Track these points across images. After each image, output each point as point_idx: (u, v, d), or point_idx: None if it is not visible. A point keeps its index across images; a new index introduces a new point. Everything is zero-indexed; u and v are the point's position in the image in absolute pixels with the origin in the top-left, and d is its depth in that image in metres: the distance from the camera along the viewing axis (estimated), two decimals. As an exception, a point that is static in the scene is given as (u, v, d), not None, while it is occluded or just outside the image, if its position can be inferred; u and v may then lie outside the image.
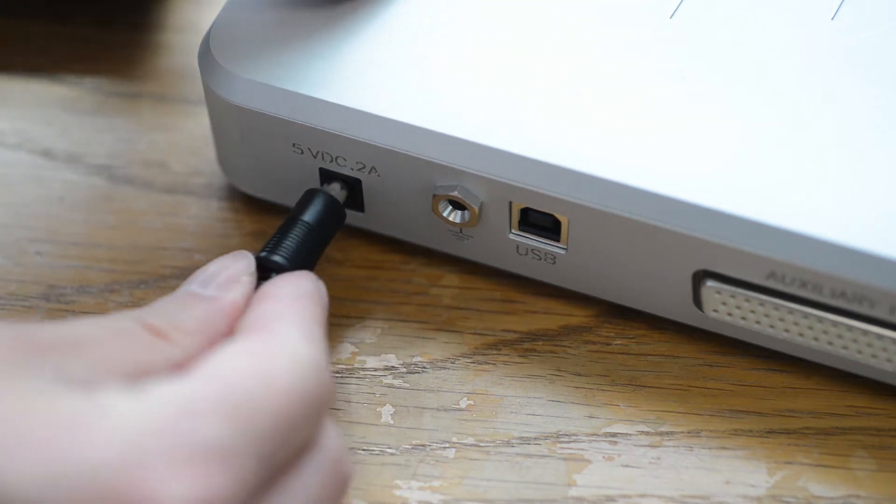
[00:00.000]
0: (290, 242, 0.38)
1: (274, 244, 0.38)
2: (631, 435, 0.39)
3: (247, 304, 0.35)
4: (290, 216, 0.39)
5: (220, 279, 0.35)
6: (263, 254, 0.37)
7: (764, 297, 0.37)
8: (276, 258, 0.37)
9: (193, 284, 0.35)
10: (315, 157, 0.40)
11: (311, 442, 0.32)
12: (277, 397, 0.31)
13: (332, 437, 0.33)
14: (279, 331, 0.33)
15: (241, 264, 0.36)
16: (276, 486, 0.31)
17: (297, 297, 0.35)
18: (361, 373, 0.40)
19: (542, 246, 0.40)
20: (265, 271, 0.37)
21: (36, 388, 0.29)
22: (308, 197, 0.40)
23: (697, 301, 0.39)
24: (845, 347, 0.38)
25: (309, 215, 0.39)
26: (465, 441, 0.39)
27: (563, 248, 0.39)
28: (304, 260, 0.38)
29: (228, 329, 0.34)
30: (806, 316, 0.37)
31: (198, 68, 0.41)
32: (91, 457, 0.28)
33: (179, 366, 0.32)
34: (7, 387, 0.28)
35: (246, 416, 0.30)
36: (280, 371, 0.31)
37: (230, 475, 0.29)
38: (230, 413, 0.29)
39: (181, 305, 0.34)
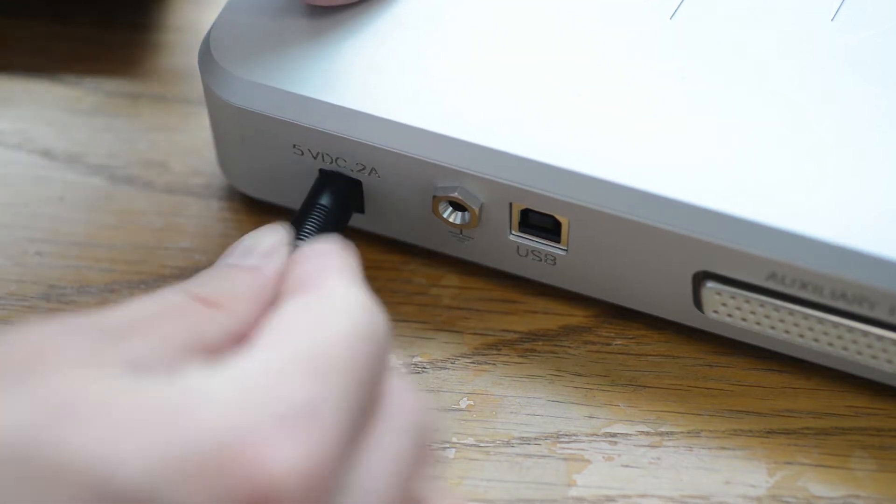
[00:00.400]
0: (310, 226, 0.38)
1: (293, 228, 0.38)
2: (631, 435, 0.39)
3: None
4: (305, 201, 0.39)
5: (260, 250, 0.35)
6: None
7: (764, 299, 0.37)
8: (296, 242, 0.38)
9: (231, 258, 0.35)
10: (315, 158, 0.40)
11: (383, 393, 0.32)
12: (345, 343, 0.31)
13: (400, 387, 0.33)
14: (324, 284, 0.33)
15: (278, 235, 0.36)
16: (367, 439, 0.31)
17: (327, 253, 0.35)
18: (362, 373, 0.40)
19: (543, 247, 0.40)
20: None
21: (114, 376, 0.29)
22: (322, 180, 0.40)
23: (697, 302, 0.39)
24: (845, 349, 0.38)
25: (324, 198, 0.39)
26: (465, 441, 0.39)
27: (564, 250, 0.39)
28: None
29: (275, 297, 0.34)
30: (806, 317, 0.37)
31: (198, 68, 0.41)
32: (200, 435, 0.28)
33: (238, 335, 0.32)
34: (87, 379, 0.28)
35: (325, 369, 0.30)
36: (339, 320, 0.31)
37: (331, 428, 0.29)
38: (310, 369, 0.30)
39: (226, 276, 0.34)
